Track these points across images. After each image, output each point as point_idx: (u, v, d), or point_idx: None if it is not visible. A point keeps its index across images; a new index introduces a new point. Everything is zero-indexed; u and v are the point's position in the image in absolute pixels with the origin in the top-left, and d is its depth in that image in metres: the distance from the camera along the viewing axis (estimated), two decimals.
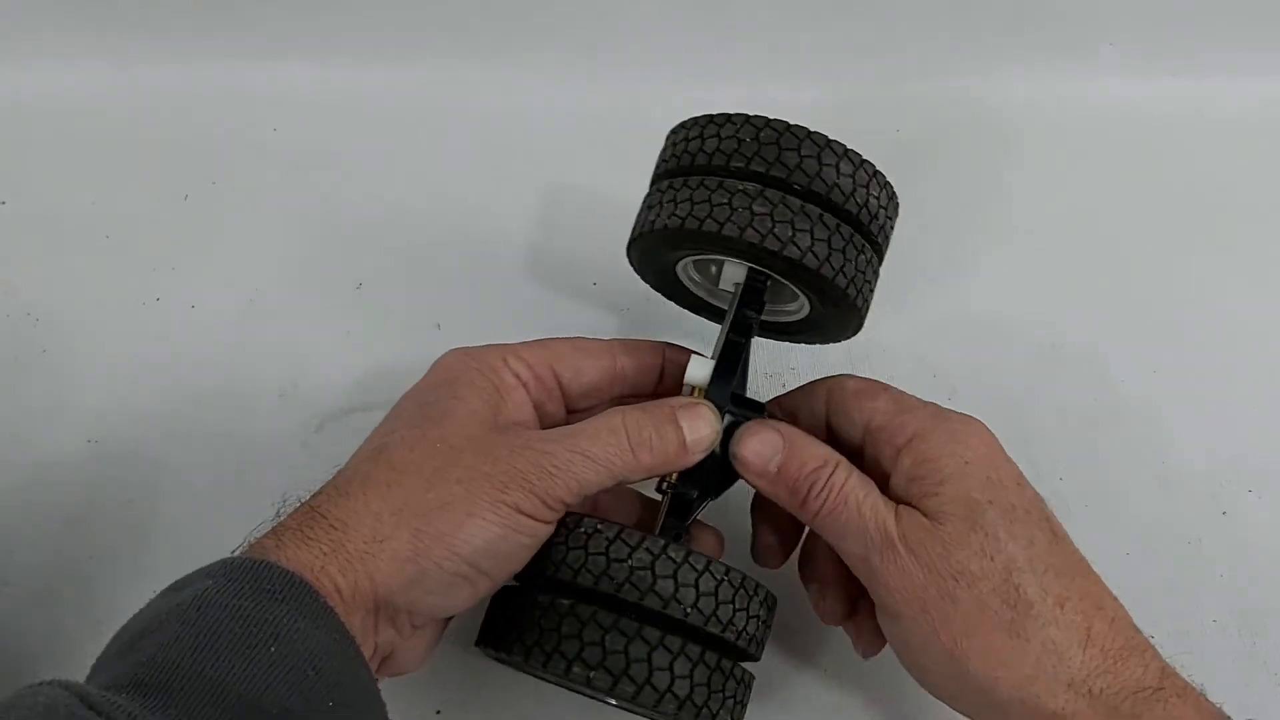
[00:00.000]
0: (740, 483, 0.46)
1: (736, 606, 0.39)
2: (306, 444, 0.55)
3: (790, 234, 0.41)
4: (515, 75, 0.71)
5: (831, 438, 0.45)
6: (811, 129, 0.43)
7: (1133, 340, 0.61)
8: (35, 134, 0.68)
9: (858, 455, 0.43)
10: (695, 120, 0.45)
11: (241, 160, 0.67)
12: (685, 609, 0.38)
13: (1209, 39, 0.72)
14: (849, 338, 0.50)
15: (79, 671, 0.47)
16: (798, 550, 0.47)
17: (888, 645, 0.44)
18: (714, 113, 0.44)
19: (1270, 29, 0.72)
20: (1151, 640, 0.50)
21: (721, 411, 0.44)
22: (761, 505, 0.47)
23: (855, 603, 0.45)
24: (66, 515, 0.53)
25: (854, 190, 0.43)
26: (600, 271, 0.62)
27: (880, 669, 0.46)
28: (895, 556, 0.39)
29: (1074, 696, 0.37)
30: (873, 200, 0.44)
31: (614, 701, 0.44)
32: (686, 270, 0.50)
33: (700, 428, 0.42)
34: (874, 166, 0.44)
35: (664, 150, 0.47)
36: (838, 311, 0.45)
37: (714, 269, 0.49)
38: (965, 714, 0.41)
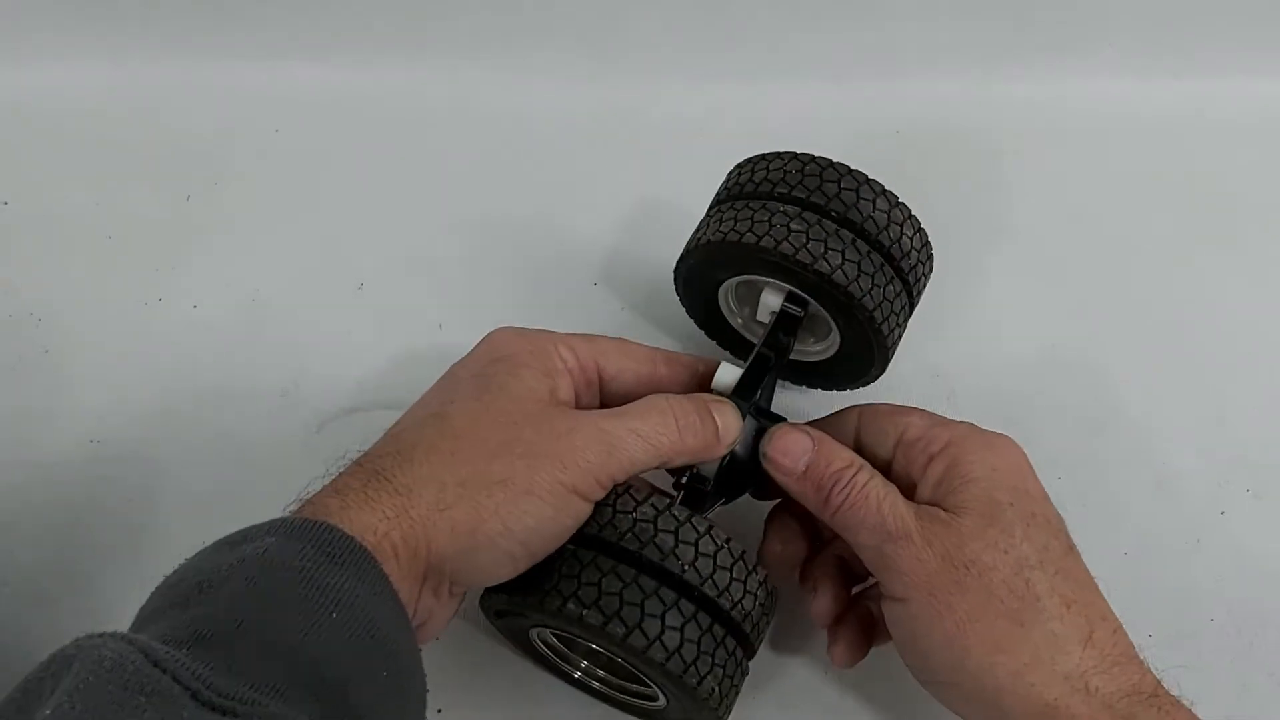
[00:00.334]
0: (746, 501, 0.47)
1: (734, 576, 0.40)
2: (306, 444, 0.55)
3: (823, 250, 0.45)
4: (515, 75, 0.71)
5: (859, 455, 0.45)
6: (852, 167, 0.48)
7: (1132, 341, 0.61)
8: (35, 134, 0.68)
9: (885, 469, 0.44)
10: (751, 158, 0.50)
11: (242, 160, 0.68)
12: (683, 565, 0.39)
13: (1209, 39, 0.72)
14: (874, 378, 0.52)
15: None
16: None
17: (865, 656, 0.46)
18: (769, 151, 0.50)
19: (1270, 29, 0.72)
20: (1150, 639, 0.50)
21: (743, 416, 0.45)
22: (775, 518, 0.48)
23: (847, 608, 0.46)
24: (66, 515, 0.53)
25: (888, 225, 0.47)
26: (601, 271, 0.62)
27: (880, 667, 0.46)
28: (909, 545, 0.40)
29: (1069, 690, 0.38)
30: (905, 239, 0.48)
31: (599, 680, 0.45)
32: (728, 299, 0.53)
33: (729, 420, 0.43)
34: (910, 210, 0.48)
35: (721, 184, 0.51)
36: (864, 343, 0.48)
37: (754, 299, 0.51)
38: (958, 708, 0.41)
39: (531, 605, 0.39)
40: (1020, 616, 0.39)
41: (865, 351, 0.49)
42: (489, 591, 0.42)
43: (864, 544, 0.41)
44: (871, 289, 0.46)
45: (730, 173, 0.51)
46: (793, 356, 0.51)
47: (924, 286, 0.50)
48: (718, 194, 0.51)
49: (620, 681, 0.46)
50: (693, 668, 0.38)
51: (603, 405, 0.46)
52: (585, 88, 0.71)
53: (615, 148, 0.70)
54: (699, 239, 0.49)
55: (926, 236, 0.49)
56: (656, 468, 0.42)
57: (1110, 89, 0.73)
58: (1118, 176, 0.69)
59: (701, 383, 0.47)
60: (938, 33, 0.71)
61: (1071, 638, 0.39)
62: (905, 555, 0.40)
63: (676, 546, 0.39)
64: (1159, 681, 0.40)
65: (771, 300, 0.49)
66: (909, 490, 0.43)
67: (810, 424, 0.48)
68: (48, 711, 0.27)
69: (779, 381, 0.53)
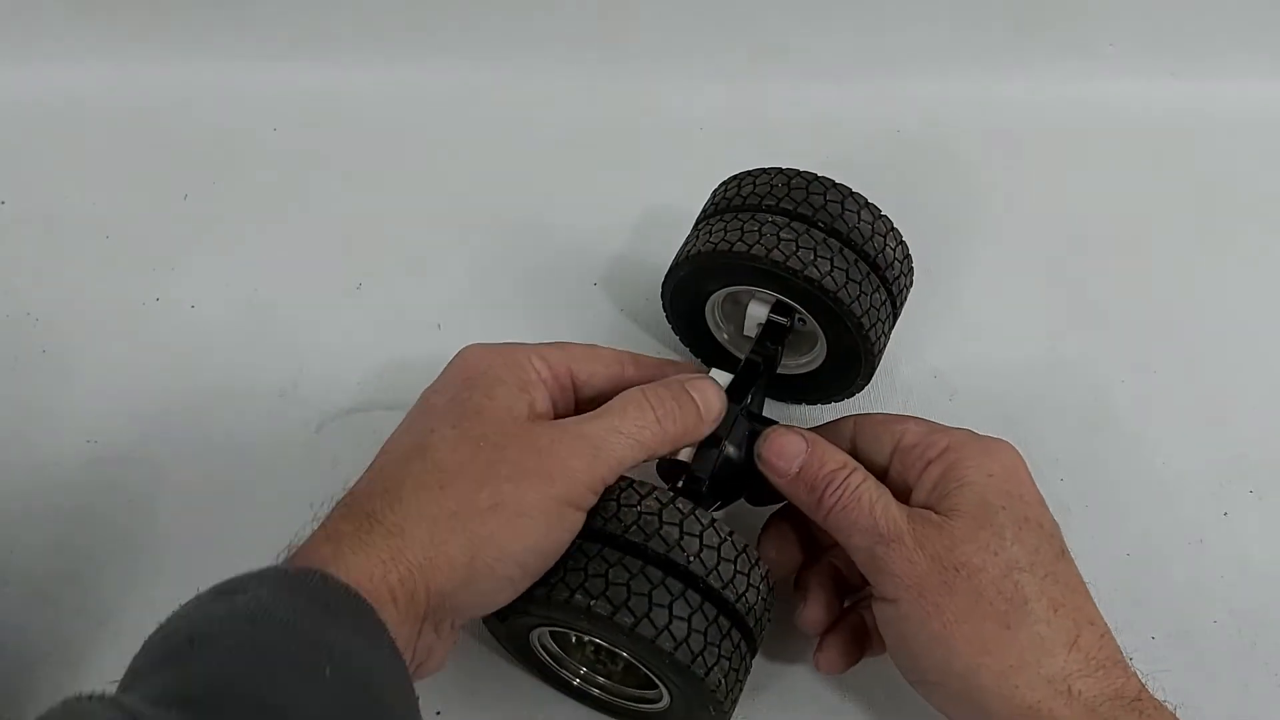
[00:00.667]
0: (744, 507, 0.47)
1: (738, 569, 0.40)
2: (306, 444, 0.55)
3: (812, 258, 0.46)
4: (516, 75, 0.71)
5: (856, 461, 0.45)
6: (837, 181, 0.49)
7: (1132, 341, 0.61)
8: (34, 134, 0.68)
9: (882, 476, 0.44)
10: (737, 174, 0.51)
11: (241, 160, 0.68)
12: (688, 556, 0.39)
13: (1209, 39, 0.72)
14: (859, 388, 0.53)
15: (78, 671, 0.47)
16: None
17: (853, 665, 0.46)
18: (754, 168, 0.50)
19: (1270, 29, 0.72)
20: (1153, 640, 0.50)
21: (734, 422, 0.45)
22: (771, 525, 0.48)
23: (838, 617, 0.46)
24: (66, 515, 0.52)
25: (872, 236, 0.48)
26: (601, 272, 0.62)
27: (882, 671, 0.46)
28: (901, 547, 0.40)
29: (1052, 693, 0.38)
30: (889, 249, 0.49)
31: (598, 688, 0.45)
32: (715, 313, 0.53)
33: (710, 396, 0.43)
34: (892, 223, 0.49)
35: (708, 201, 0.52)
36: (851, 352, 0.49)
37: (740, 315, 0.52)
38: (945, 708, 0.41)
39: (539, 598, 0.39)
40: (1007, 619, 0.39)
41: (852, 360, 0.50)
42: None
43: (856, 545, 0.41)
44: (859, 295, 0.47)
45: (715, 189, 0.52)
46: (780, 370, 0.52)
47: (906, 298, 0.51)
48: (704, 209, 0.52)
49: (620, 687, 0.46)
50: (700, 658, 0.38)
51: (578, 411, 0.46)
52: (585, 88, 0.71)
53: (615, 148, 0.70)
54: (687, 251, 0.50)
55: (908, 249, 0.50)
56: (647, 460, 0.41)
57: (1110, 89, 0.73)
58: (1118, 176, 0.69)
59: None
60: (938, 33, 0.71)
61: (1057, 641, 0.39)
62: (896, 557, 0.40)
63: (682, 538, 0.39)
64: (1144, 686, 0.40)
65: (758, 311, 0.50)
66: (904, 495, 0.43)
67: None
68: None
69: (768, 399, 0.54)
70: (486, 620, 0.44)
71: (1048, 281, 0.64)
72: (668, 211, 0.66)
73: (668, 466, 0.48)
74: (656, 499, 0.40)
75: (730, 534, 0.40)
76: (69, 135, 0.68)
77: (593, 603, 0.38)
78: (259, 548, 0.51)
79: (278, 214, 0.65)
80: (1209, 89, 0.73)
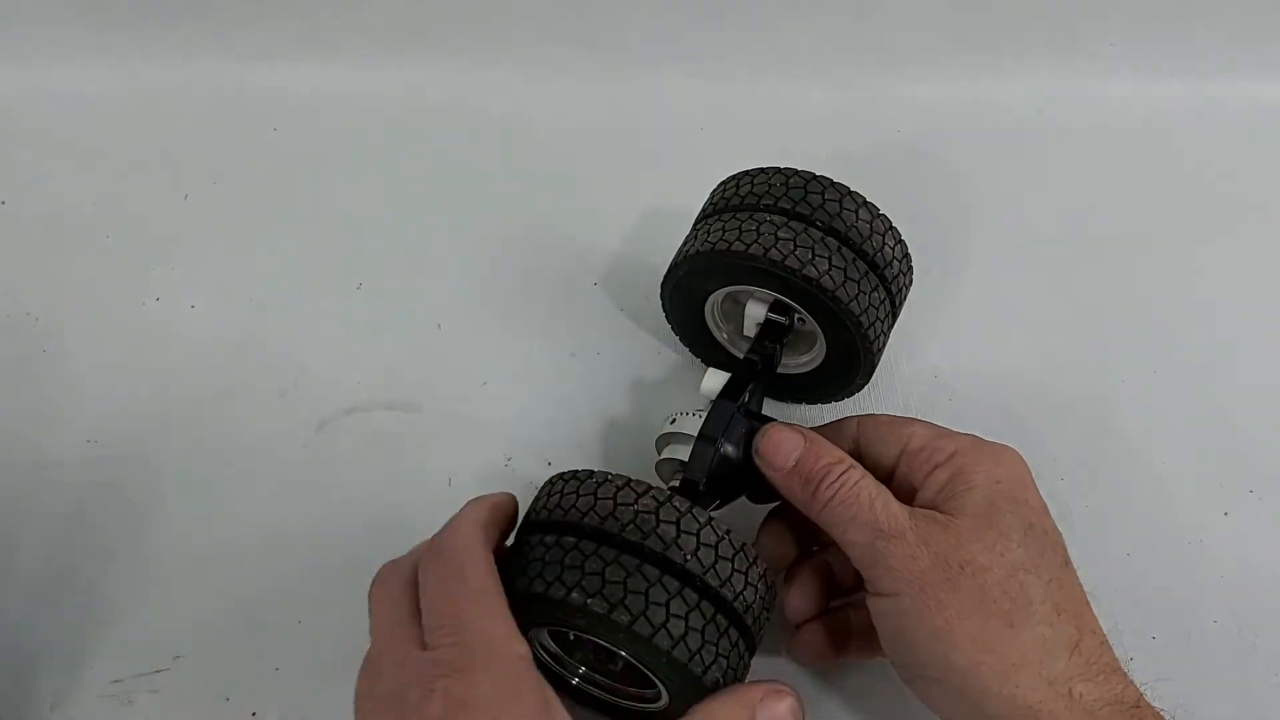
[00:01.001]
0: (745, 506, 0.47)
1: (735, 567, 0.40)
2: (306, 444, 0.55)
3: (810, 256, 0.46)
4: (516, 76, 0.71)
5: (861, 464, 0.45)
6: (835, 180, 0.49)
7: (1132, 341, 0.61)
8: (34, 134, 0.68)
9: (888, 479, 0.44)
10: (735, 174, 0.51)
11: (241, 160, 0.68)
12: (685, 555, 0.39)
13: (1209, 39, 0.72)
14: (859, 388, 0.53)
15: (78, 671, 0.47)
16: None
17: (829, 661, 0.46)
18: (752, 168, 0.50)
19: (1270, 29, 0.72)
20: (1153, 641, 0.50)
21: (730, 420, 0.45)
22: (768, 522, 0.48)
23: (822, 612, 0.46)
24: (66, 515, 0.52)
25: (870, 235, 0.48)
26: (600, 271, 0.62)
27: (883, 673, 0.46)
28: (902, 542, 0.40)
29: (1053, 695, 0.38)
30: (888, 248, 0.48)
31: (596, 686, 0.45)
32: (714, 313, 0.53)
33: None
34: (890, 221, 0.49)
35: (706, 201, 0.52)
36: (850, 351, 0.49)
37: (739, 315, 0.52)
38: (940, 705, 0.41)
39: (536, 597, 0.39)
40: (1011, 618, 0.39)
41: (852, 359, 0.50)
42: None
43: (854, 540, 0.41)
44: (858, 294, 0.46)
45: (714, 190, 0.52)
46: (781, 370, 0.52)
47: (905, 297, 0.51)
48: (703, 209, 0.52)
49: (619, 686, 0.46)
50: (698, 656, 0.38)
51: None
52: (585, 88, 0.71)
53: (615, 147, 0.70)
54: (686, 251, 0.50)
55: (907, 248, 0.50)
56: None
57: (1110, 89, 0.73)
58: (1118, 176, 0.69)
59: None
60: (937, 33, 0.71)
61: (1060, 644, 0.39)
62: (898, 551, 0.40)
63: (679, 537, 0.39)
64: (1141, 694, 0.40)
65: (756, 311, 0.50)
66: (907, 497, 0.43)
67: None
68: None
69: (769, 399, 0.54)
70: None
71: (1047, 281, 0.64)
72: (667, 211, 0.66)
73: (668, 466, 0.48)
74: (653, 497, 0.40)
75: (728, 532, 0.40)
76: (68, 135, 0.68)
77: (589, 600, 0.37)
78: (259, 547, 0.52)
79: (277, 214, 0.65)
80: (1209, 89, 0.73)
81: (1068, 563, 0.41)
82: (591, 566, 0.38)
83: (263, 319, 0.60)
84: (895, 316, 0.51)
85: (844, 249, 0.47)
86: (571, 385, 0.57)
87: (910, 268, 0.51)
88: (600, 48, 0.72)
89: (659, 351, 0.59)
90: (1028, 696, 0.38)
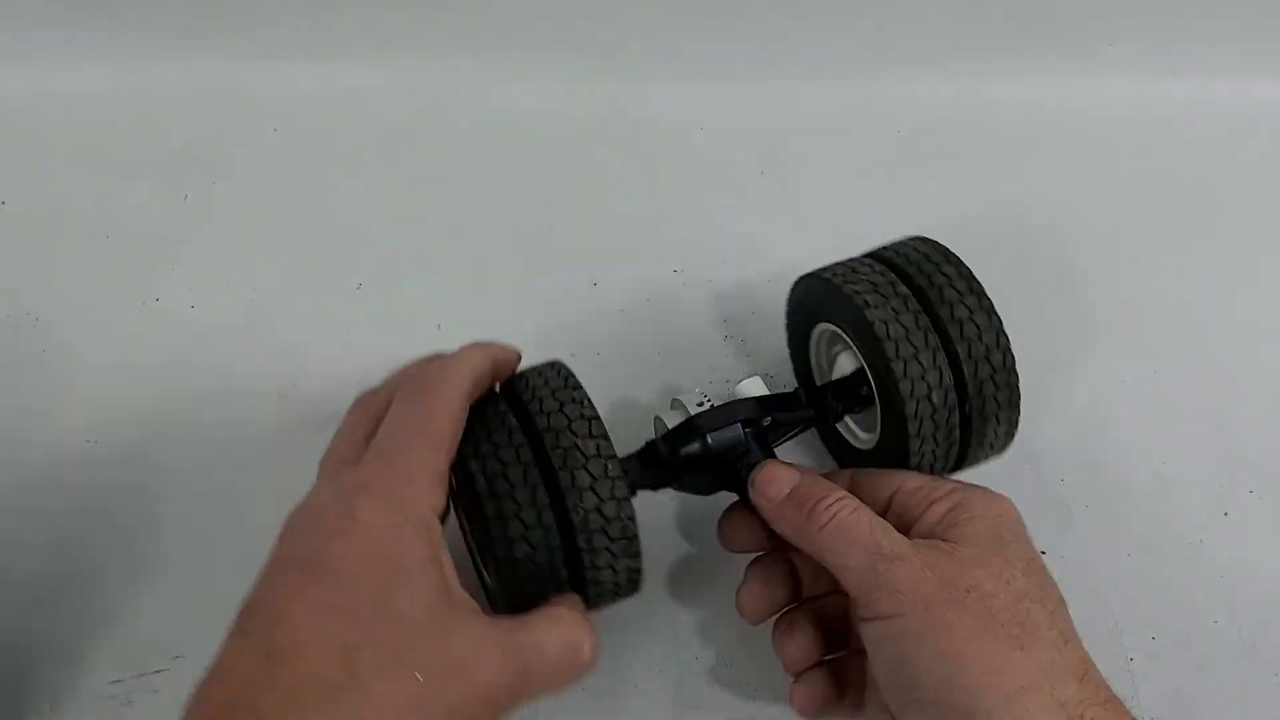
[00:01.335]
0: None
1: (611, 551, 0.40)
2: (306, 444, 0.55)
3: (898, 346, 0.43)
4: (515, 75, 0.71)
5: None
6: (984, 291, 0.45)
7: (1132, 341, 0.61)
8: (33, 134, 0.68)
9: (880, 515, 0.43)
10: (924, 237, 0.48)
11: (241, 160, 0.67)
12: (580, 510, 0.39)
13: (1209, 39, 0.72)
14: None
15: (78, 671, 0.47)
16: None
17: (829, 712, 0.45)
18: (941, 243, 0.47)
19: (1270, 29, 0.72)
20: (1153, 641, 0.50)
21: (726, 423, 0.45)
22: (759, 561, 0.47)
23: (817, 657, 0.45)
24: (66, 515, 0.52)
25: (972, 356, 0.44)
26: (600, 272, 0.62)
27: None
28: (907, 565, 0.39)
29: (1065, 718, 0.37)
30: (986, 382, 0.44)
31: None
32: (820, 341, 0.52)
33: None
34: (1010, 357, 0.45)
35: (893, 242, 0.49)
36: (900, 452, 0.46)
37: (835, 357, 0.51)
38: None
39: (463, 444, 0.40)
40: (1020, 641, 0.38)
41: (899, 460, 0.46)
42: None
43: (852, 565, 0.40)
44: (929, 413, 0.43)
45: (904, 240, 0.49)
46: (845, 436, 0.51)
47: (986, 440, 0.46)
48: (883, 247, 0.49)
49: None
50: (524, 580, 0.39)
51: None
52: (585, 87, 0.71)
53: (615, 147, 0.70)
54: (825, 269, 0.47)
55: (1016, 389, 0.45)
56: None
57: (1110, 89, 0.73)
58: (1118, 176, 0.69)
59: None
60: (938, 33, 0.71)
61: (1069, 670, 0.38)
62: (901, 573, 0.39)
63: (585, 489, 0.40)
64: None
65: (843, 364, 0.49)
66: (903, 532, 0.42)
67: None
68: None
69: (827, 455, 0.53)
70: None
71: (1047, 281, 0.64)
72: (667, 211, 0.66)
73: (660, 424, 0.48)
74: (598, 447, 0.40)
75: (629, 520, 0.40)
76: (67, 135, 0.68)
77: (478, 476, 0.39)
78: (259, 548, 0.52)
79: (277, 214, 0.65)
80: (1209, 89, 0.73)
81: (1063, 603, 0.41)
82: (505, 456, 0.40)
83: (262, 319, 0.60)
84: (964, 457, 0.47)
85: (941, 355, 0.43)
86: None
87: (1013, 418, 0.46)
88: (600, 48, 0.72)
89: (659, 352, 0.59)
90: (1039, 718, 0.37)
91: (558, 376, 0.43)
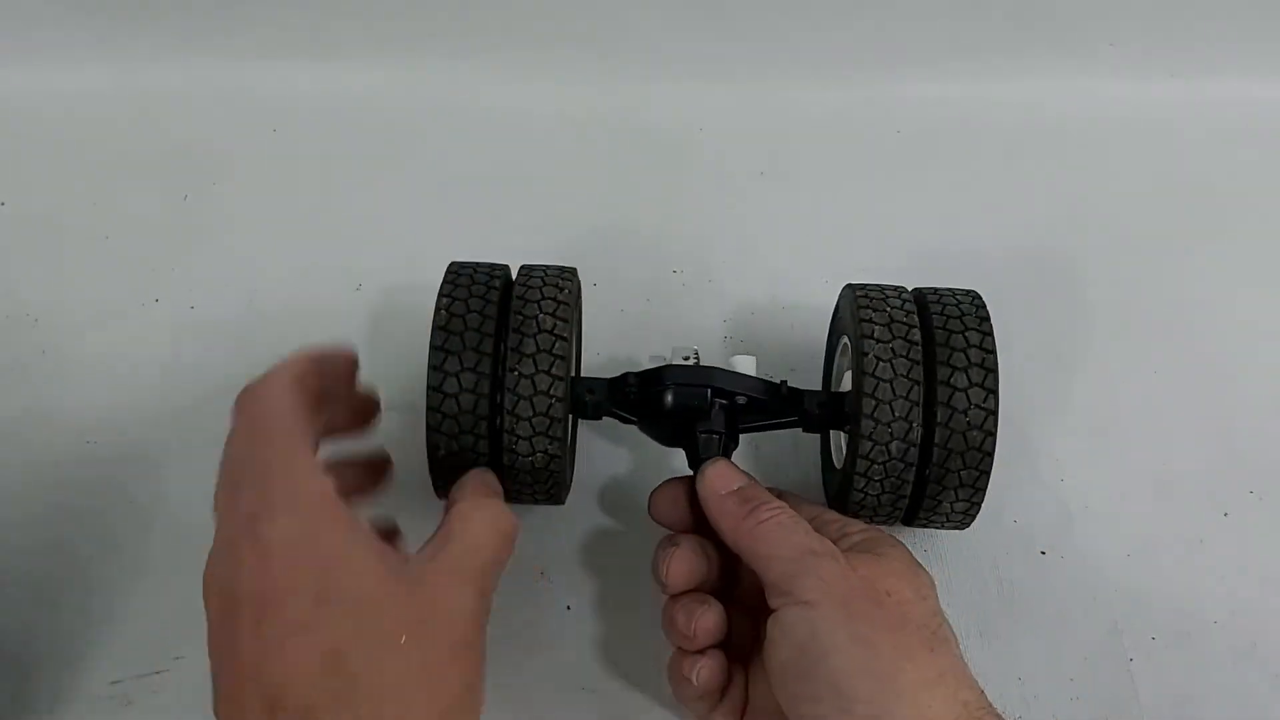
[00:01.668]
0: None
1: (535, 429, 0.43)
2: None
3: (878, 384, 0.43)
4: (514, 76, 0.71)
5: None
6: (995, 370, 0.44)
7: (1133, 340, 0.61)
8: (33, 134, 0.68)
9: None
10: (978, 301, 0.47)
11: (241, 160, 0.67)
12: (516, 373, 0.42)
13: (1209, 39, 0.72)
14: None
15: (78, 671, 0.47)
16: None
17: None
18: (985, 309, 0.47)
19: (1270, 29, 0.72)
20: (1153, 641, 0.50)
21: (712, 400, 0.46)
22: (685, 541, 0.46)
23: (694, 585, 0.44)
24: (66, 516, 0.52)
25: (949, 439, 0.43)
26: (600, 272, 0.62)
27: None
28: (835, 561, 0.40)
29: (966, 717, 0.38)
30: (956, 459, 0.44)
31: None
32: (841, 352, 0.52)
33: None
34: (994, 414, 0.44)
35: (940, 288, 0.48)
36: (842, 487, 0.46)
37: (844, 370, 0.51)
38: None
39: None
40: (931, 645, 0.39)
41: (843, 488, 0.46)
42: None
43: (781, 555, 0.41)
44: (883, 461, 0.43)
45: (950, 288, 0.48)
46: (833, 447, 0.52)
47: (941, 510, 0.46)
48: (929, 288, 0.48)
49: None
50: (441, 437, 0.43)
51: None
52: (584, 88, 0.71)
53: (615, 148, 0.70)
54: (860, 286, 0.48)
55: (984, 473, 0.44)
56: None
57: (1110, 89, 0.73)
58: (1117, 176, 0.69)
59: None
60: (938, 33, 0.71)
61: (969, 681, 0.39)
62: (829, 566, 0.40)
63: (529, 351, 0.42)
64: None
65: (847, 381, 0.49)
66: None
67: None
68: None
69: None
70: None
71: (1047, 280, 0.64)
72: (667, 211, 0.66)
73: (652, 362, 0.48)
74: (558, 312, 0.43)
75: (554, 402, 0.42)
76: (67, 135, 0.68)
77: (438, 324, 0.43)
78: None
79: (277, 214, 0.65)
80: (1209, 89, 0.73)
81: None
82: (471, 323, 0.43)
83: (262, 319, 0.60)
84: (910, 517, 0.47)
85: (918, 411, 0.43)
86: None
87: (970, 488, 0.45)
88: (601, 47, 0.72)
89: (658, 353, 0.59)
90: (942, 713, 0.37)
91: (560, 273, 0.46)
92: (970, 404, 0.43)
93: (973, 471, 0.44)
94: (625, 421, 0.48)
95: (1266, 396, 0.59)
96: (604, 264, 0.62)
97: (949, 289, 0.48)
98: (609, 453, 0.55)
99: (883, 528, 0.45)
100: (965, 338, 0.44)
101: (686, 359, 0.47)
